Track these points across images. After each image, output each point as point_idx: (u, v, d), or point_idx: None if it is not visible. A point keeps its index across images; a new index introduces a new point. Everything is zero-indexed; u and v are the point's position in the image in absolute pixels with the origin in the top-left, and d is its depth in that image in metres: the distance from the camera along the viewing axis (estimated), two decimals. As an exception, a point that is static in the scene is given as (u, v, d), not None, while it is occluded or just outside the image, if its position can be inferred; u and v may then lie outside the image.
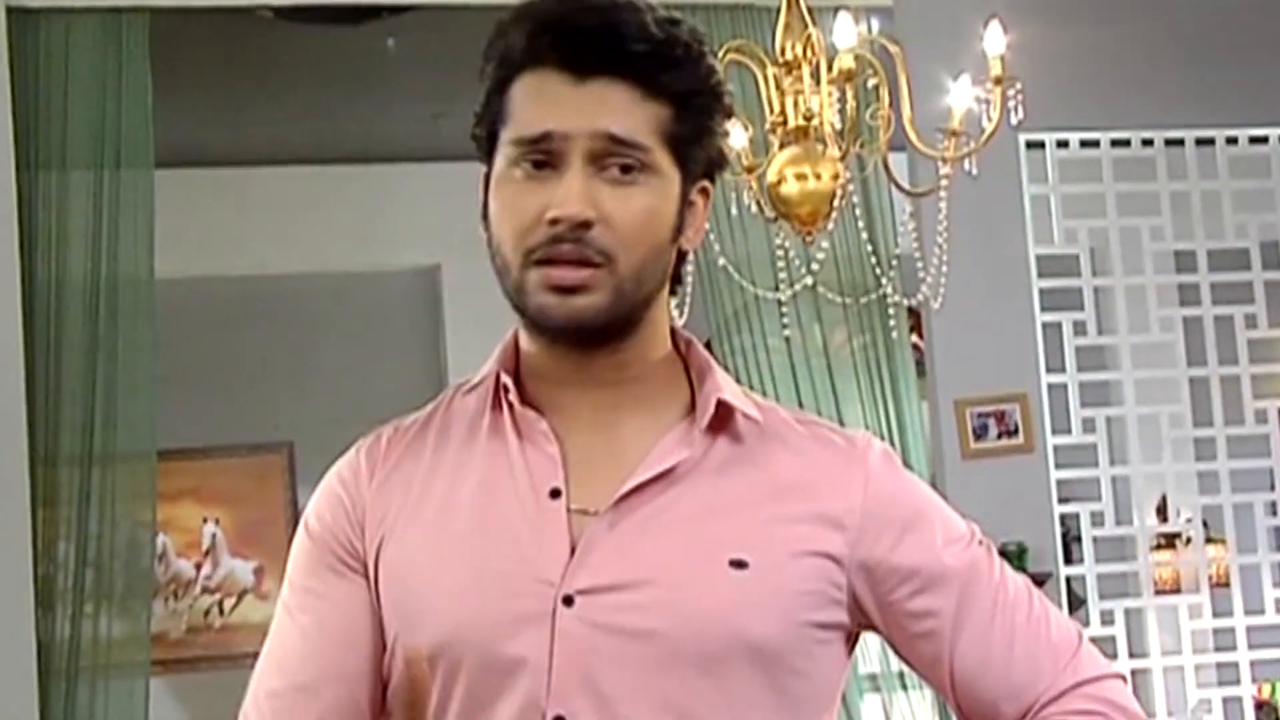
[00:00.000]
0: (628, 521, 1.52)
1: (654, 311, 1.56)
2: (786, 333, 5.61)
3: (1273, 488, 6.21)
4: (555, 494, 1.53)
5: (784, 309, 5.13)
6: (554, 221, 1.48)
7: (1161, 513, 6.46)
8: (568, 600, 1.49)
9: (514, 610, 1.50)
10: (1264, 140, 6.23)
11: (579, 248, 1.48)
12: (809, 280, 4.41)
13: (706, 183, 1.58)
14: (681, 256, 1.58)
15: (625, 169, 1.49)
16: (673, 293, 1.59)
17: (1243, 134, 6.20)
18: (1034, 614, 1.61)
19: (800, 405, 5.70)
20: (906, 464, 5.59)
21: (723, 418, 1.57)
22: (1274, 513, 6.21)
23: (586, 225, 1.48)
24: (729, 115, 1.58)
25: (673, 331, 1.61)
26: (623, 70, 1.49)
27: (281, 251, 7.88)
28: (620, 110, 1.49)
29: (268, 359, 8.24)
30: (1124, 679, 1.64)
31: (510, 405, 1.57)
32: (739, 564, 1.50)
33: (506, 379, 1.57)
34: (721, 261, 4.90)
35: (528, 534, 1.52)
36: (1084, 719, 1.57)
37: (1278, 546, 6.28)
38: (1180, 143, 6.15)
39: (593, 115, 1.48)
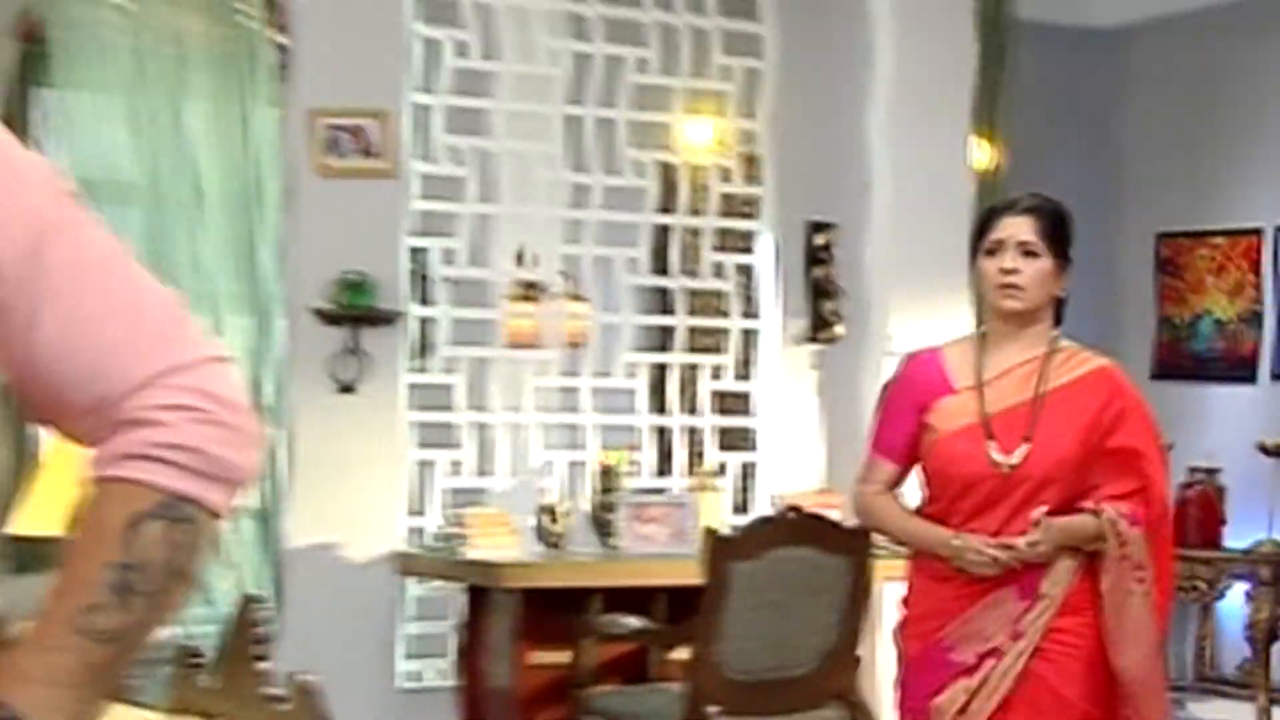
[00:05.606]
0: None
1: None
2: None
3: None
4: None
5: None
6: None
7: (519, 260, 6.04)
8: None
9: None
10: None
11: None
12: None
13: None
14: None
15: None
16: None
17: None
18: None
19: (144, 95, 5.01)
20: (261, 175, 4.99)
21: None
22: (634, 270, 5.87)
23: None
24: None
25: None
26: None
27: None
28: None
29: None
30: (225, 360, 1.35)
31: None
32: None
33: None
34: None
35: None
36: (172, 414, 1.29)
37: (637, 308, 5.97)
38: None
39: None
